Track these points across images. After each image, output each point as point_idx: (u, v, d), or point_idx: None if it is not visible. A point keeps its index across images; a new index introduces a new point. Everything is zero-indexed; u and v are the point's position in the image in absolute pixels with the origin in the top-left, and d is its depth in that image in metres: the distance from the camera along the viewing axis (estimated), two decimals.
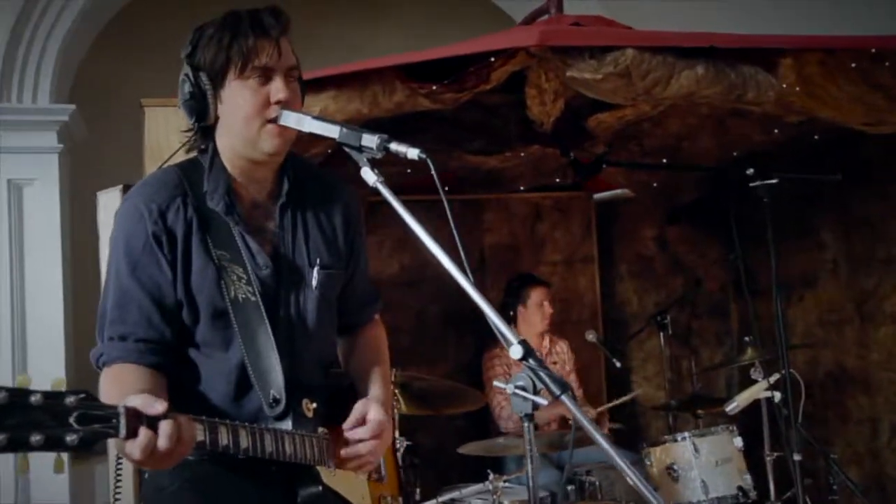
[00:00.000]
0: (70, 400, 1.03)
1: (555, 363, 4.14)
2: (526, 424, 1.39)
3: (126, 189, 3.28)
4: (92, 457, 4.64)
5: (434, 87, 2.32)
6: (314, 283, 1.72)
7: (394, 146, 1.52)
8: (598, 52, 2.27)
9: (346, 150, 1.57)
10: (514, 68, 2.54)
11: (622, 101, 2.56)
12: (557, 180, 4.69)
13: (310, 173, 1.80)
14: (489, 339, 4.35)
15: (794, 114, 3.01)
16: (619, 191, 4.91)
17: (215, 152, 1.68)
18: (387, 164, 4.46)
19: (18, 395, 0.99)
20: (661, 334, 4.40)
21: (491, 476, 2.97)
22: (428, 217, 4.85)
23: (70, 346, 4.42)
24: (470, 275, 1.48)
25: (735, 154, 4.02)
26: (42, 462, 4.28)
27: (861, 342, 3.97)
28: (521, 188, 4.73)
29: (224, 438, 1.42)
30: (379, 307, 2.00)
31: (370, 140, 1.53)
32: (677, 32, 2.34)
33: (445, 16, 5.91)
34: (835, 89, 2.59)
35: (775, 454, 3.24)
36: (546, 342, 4.15)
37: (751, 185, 2.87)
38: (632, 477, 1.15)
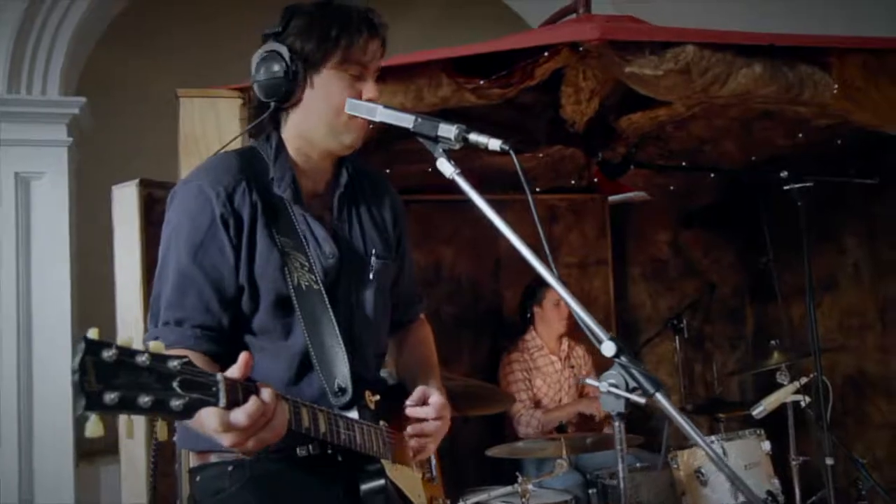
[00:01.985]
0: (174, 364, 0.99)
1: (573, 367, 4.12)
2: (617, 423, 1.35)
3: (145, 183, 3.24)
4: (97, 457, 4.56)
5: (481, 83, 2.29)
6: (371, 273, 1.73)
7: (473, 137, 1.48)
8: (659, 48, 2.25)
9: (421, 140, 1.53)
10: (558, 65, 2.51)
11: (677, 100, 2.55)
12: (573, 182, 4.68)
13: (359, 167, 1.80)
14: (506, 340, 4.34)
15: (826, 117, 3.01)
16: (634, 193, 4.90)
17: (281, 140, 1.66)
18: (408, 164, 4.43)
19: (127, 354, 0.95)
20: (677, 338, 4.39)
21: (520, 479, 2.94)
22: (453, 216, 4.82)
23: (77, 343, 4.33)
24: (555, 269, 1.43)
25: (753, 158, 4.03)
26: (47, 460, 4.20)
27: (883, 347, 3.98)
28: (538, 189, 4.71)
29: (306, 420, 1.40)
30: (424, 307, 2.00)
31: (447, 130, 1.50)
32: (737, 31, 2.32)
33: (455, 15, 5.89)
34: (875, 92, 2.59)
35: (801, 458, 3.23)
36: (565, 346, 4.12)
37: (785, 188, 2.85)
38: (740, 483, 1.12)
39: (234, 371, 1.23)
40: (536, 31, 2.59)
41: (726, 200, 4.58)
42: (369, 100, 1.60)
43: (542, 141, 3.80)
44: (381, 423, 1.66)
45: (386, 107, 1.58)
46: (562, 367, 4.06)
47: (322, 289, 1.60)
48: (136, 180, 3.17)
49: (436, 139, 1.52)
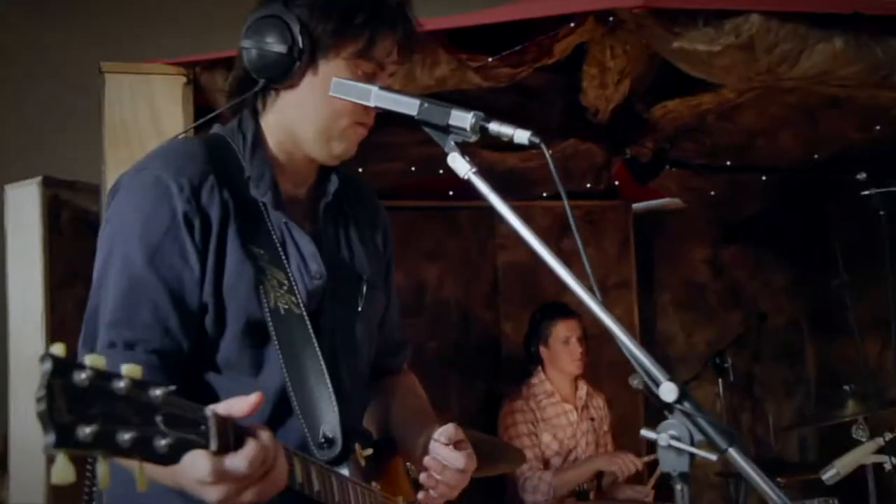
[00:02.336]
0: (157, 394, 0.97)
1: (592, 419, 4.12)
2: (679, 487, 1.34)
3: (49, 182, 3.21)
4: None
5: (489, 60, 2.30)
6: (361, 302, 1.74)
7: (494, 126, 1.48)
8: (715, 18, 2.26)
9: (428, 131, 1.53)
10: (582, 39, 2.53)
11: (735, 82, 2.57)
12: (588, 185, 4.71)
13: (345, 176, 1.80)
14: (506, 385, 4.33)
15: None
16: (664, 199, 4.95)
17: (258, 128, 1.66)
18: (385, 161, 4.42)
19: (103, 378, 0.93)
20: (719, 381, 4.41)
21: None
22: (438, 226, 4.83)
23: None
24: (598, 295, 1.43)
25: (816, 156, 4.08)
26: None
27: None
28: (544, 194, 4.73)
29: (300, 474, 1.38)
30: (409, 354, 2.02)
31: (462, 118, 1.50)
32: None
33: None
34: None
35: None
36: (582, 392, 4.12)
37: (863, 193, 2.88)
38: None
39: (227, 408, 1.20)
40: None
41: (780, 209, 4.63)
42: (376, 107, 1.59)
43: (554, 133, 3.82)
44: (374, 484, 1.67)
45: (383, 88, 1.58)
46: (578, 418, 4.06)
47: (304, 314, 1.59)
48: (38, 178, 3.15)
49: (447, 129, 1.51)
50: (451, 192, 4.67)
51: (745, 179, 4.47)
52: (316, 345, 1.58)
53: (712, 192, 4.60)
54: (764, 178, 4.39)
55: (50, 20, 4.78)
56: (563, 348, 4.06)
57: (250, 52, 1.60)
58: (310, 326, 1.59)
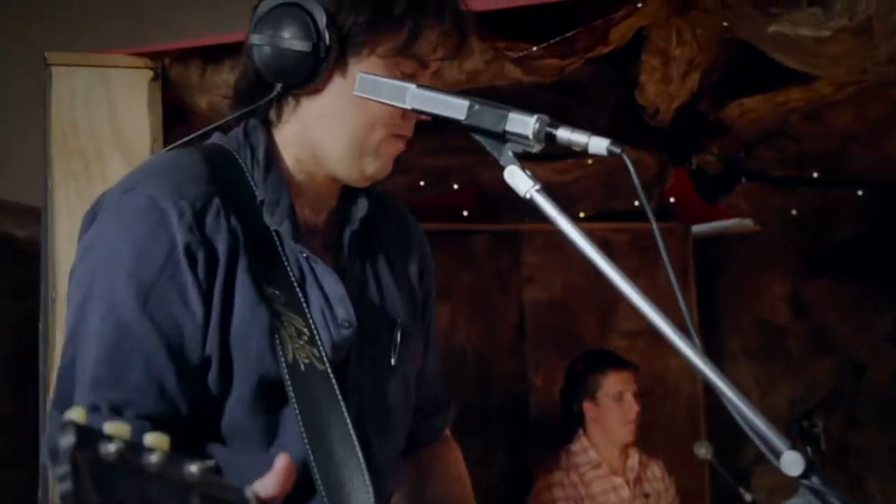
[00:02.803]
0: (192, 471, 1.00)
1: (647, 495, 4.15)
2: None
3: None
4: None
5: (534, 49, 2.35)
6: (395, 355, 1.76)
7: (564, 133, 1.53)
8: None
9: (479, 139, 1.59)
10: (643, 22, 2.60)
11: (843, 74, 2.62)
12: (637, 204, 4.77)
13: (374, 193, 1.83)
14: (536, 453, 4.37)
15: None
16: (732, 221, 5.01)
17: (271, 141, 1.69)
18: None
19: (132, 451, 0.96)
20: (808, 450, 4.45)
21: None
22: (449, 255, 4.89)
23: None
24: (696, 338, 1.49)
25: None
26: None
27: None
28: (582, 214, 4.79)
29: None
30: (452, 416, 2.04)
31: (523, 123, 1.54)
32: None
33: None
34: None
35: None
36: (633, 461, 4.16)
37: None
38: None
39: (264, 487, 1.24)
40: None
41: (882, 233, 4.67)
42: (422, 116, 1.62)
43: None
44: None
45: (421, 86, 1.63)
46: (630, 494, 4.09)
47: (329, 370, 1.61)
48: None
49: (503, 136, 1.56)
50: (465, 213, 4.73)
51: (837, 195, 4.52)
52: (343, 408, 1.60)
53: (794, 212, 4.65)
54: (861, 193, 4.43)
55: None
56: (616, 406, 4.09)
57: (263, 49, 1.63)
58: (336, 385, 1.60)
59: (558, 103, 3.34)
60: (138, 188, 1.58)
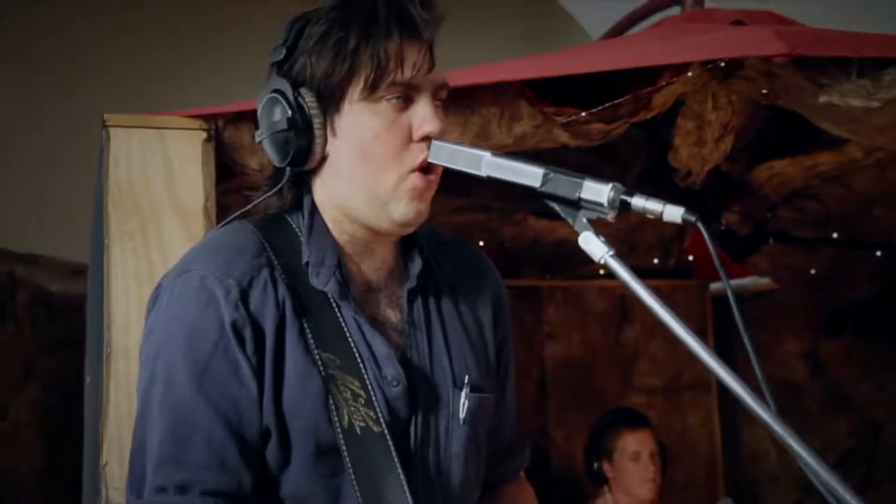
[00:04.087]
0: None
1: None
2: None
3: (2, 255, 3.30)
4: None
5: (583, 115, 2.41)
6: (462, 412, 1.75)
7: (639, 201, 1.58)
8: (872, 68, 2.38)
9: (554, 206, 1.63)
10: (685, 88, 2.65)
11: (887, 144, 2.68)
12: (656, 261, 4.81)
13: (440, 241, 1.86)
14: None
15: None
16: (750, 279, 5.04)
17: (314, 209, 1.72)
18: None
19: None
20: None
21: None
22: None
23: None
24: (772, 404, 1.52)
25: None
26: None
27: None
28: (602, 272, 4.82)
29: None
30: (527, 458, 2.06)
31: (597, 191, 1.59)
32: None
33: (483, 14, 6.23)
34: None
35: None
36: None
37: None
38: None
39: None
40: (654, 40, 2.71)
41: None
42: (426, 137, 1.64)
43: None
44: None
45: (496, 154, 1.67)
46: None
47: (386, 432, 1.63)
48: None
49: (577, 204, 1.61)
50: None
51: (854, 256, 4.56)
52: (400, 470, 1.61)
53: (812, 271, 4.68)
54: (879, 253, 4.48)
55: (45, 66, 4.89)
56: (633, 466, 4.10)
57: (262, 143, 1.69)
58: (392, 448, 1.62)
59: (587, 164, 3.39)
60: (192, 270, 1.64)
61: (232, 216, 1.80)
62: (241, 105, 2.54)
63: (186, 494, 1.54)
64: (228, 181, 2.62)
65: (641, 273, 5.00)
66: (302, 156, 1.65)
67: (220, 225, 1.81)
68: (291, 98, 1.63)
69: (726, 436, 4.95)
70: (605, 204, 1.58)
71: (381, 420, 1.63)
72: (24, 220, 3.14)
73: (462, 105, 2.50)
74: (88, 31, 4.44)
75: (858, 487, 4.84)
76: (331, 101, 1.64)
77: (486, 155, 1.67)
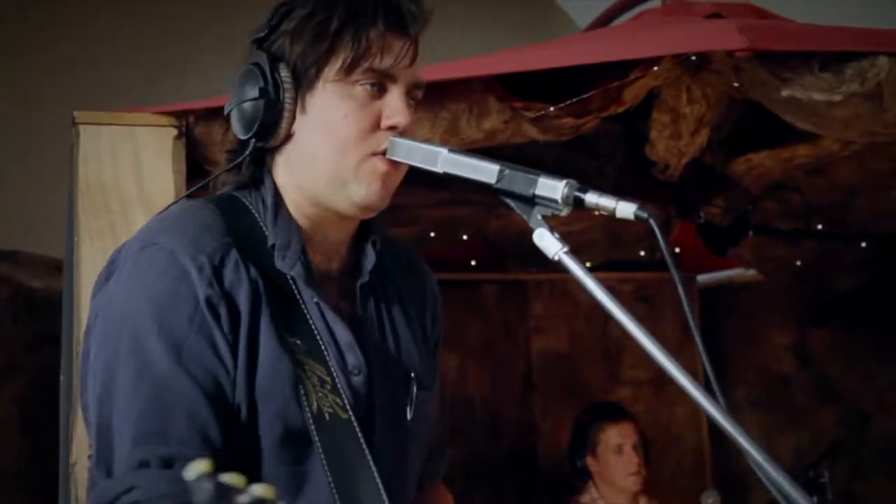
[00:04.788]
0: None
1: None
2: None
3: None
4: None
5: (551, 109, 2.41)
6: (411, 408, 1.77)
7: (592, 197, 1.58)
8: (834, 62, 2.38)
9: (509, 202, 1.63)
10: (656, 82, 2.65)
11: (853, 136, 2.68)
12: (642, 254, 4.81)
13: (386, 241, 1.86)
14: (544, 502, 4.37)
15: None
16: (736, 271, 5.04)
17: (276, 186, 1.71)
18: (396, 225, 4.52)
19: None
20: (815, 500, 4.45)
21: None
22: (457, 305, 4.88)
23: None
24: (722, 401, 1.53)
25: None
26: None
27: None
28: (588, 264, 4.83)
29: None
30: (447, 463, 2.05)
31: (552, 188, 1.59)
32: None
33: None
34: None
35: None
36: None
37: None
38: None
39: None
40: (625, 33, 2.72)
41: (884, 283, 4.70)
42: (393, 127, 1.65)
43: (605, 191, 3.93)
44: None
45: (452, 151, 1.67)
46: None
47: (353, 418, 1.63)
48: None
49: (532, 200, 1.61)
50: (472, 262, 4.77)
51: (839, 247, 4.56)
52: (369, 456, 1.61)
53: (798, 262, 4.67)
54: (864, 244, 4.48)
55: (12, 62, 4.91)
56: (616, 459, 4.11)
57: (231, 112, 1.68)
58: (360, 434, 1.62)
59: (564, 159, 3.39)
60: (156, 243, 1.59)
61: (187, 192, 1.78)
62: (212, 101, 2.53)
63: (172, 469, 1.48)
64: (199, 178, 2.61)
65: (627, 266, 5.01)
66: (268, 130, 1.65)
67: (174, 202, 1.78)
68: (267, 70, 1.63)
69: (713, 426, 4.93)
70: (560, 200, 1.58)
71: (348, 407, 1.63)
72: (5, 216, 3.14)
73: (431, 100, 2.49)
74: (60, 26, 4.45)
75: (847, 478, 4.87)
76: (305, 79, 1.64)
77: (443, 151, 1.67)
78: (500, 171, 1.63)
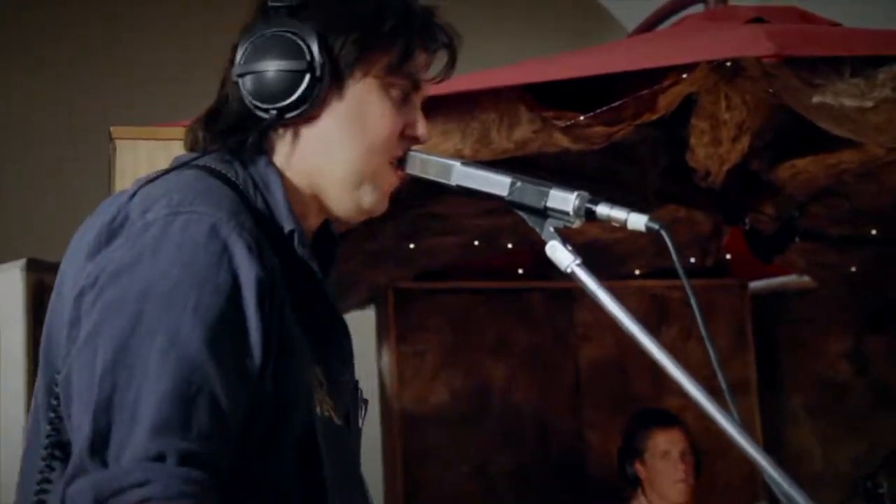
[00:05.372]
0: None
1: None
2: None
3: (35, 265, 3.34)
4: None
5: (581, 119, 2.40)
6: (362, 415, 1.75)
7: (603, 210, 1.58)
8: (866, 67, 2.36)
9: (521, 214, 1.64)
10: (692, 89, 2.64)
11: (889, 142, 2.65)
12: (693, 261, 4.77)
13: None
14: None
15: None
16: (789, 278, 4.98)
17: (278, 170, 1.60)
18: (440, 234, 4.52)
19: None
20: None
21: None
22: (505, 313, 4.88)
23: None
24: (735, 412, 1.51)
25: None
26: None
27: None
28: (637, 272, 4.80)
29: None
30: None
31: (563, 200, 1.59)
32: None
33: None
34: None
35: None
36: None
37: None
38: None
39: None
40: (658, 40, 2.71)
41: None
42: (416, 138, 1.63)
43: (649, 199, 3.91)
44: None
45: (466, 163, 1.67)
46: None
47: (344, 425, 1.61)
48: (22, 261, 3.25)
49: (544, 212, 1.61)
50: (520, 271, 4.77)
51: (893, 252, 4.50)
52: (360, 467, 1.61)
53: (853, 269, 4.62)
54: None
55: (49, 80, 5.00)
56: (663, 465, 4.08)
57: (256, 77, 1.55)
58: (351, 441, 1.61)
59: (606, 167, 3.38)
60: (195, 211, 1.43)
61: (182, 162, 1.56)
62: None
63: (189, 467, 1.32)
64: None
65: (675, 273, 4.95)
66: (297, 104, 1.55)
67: (169, 168, 1.57)
68: (315, 44, 1.55)
69: (768, 436, 4.90)
70: (571, 212, 1.59)
71: (340, 412, 1.59)
72: (53, 228, 3.17)
73: (461, 111, 2.50)
74: (98, 37, 4.52)
75: None
76: (349, 66, 1.57)
77: (456, 164, 1.66)
78: (512, 184, 1.63)
